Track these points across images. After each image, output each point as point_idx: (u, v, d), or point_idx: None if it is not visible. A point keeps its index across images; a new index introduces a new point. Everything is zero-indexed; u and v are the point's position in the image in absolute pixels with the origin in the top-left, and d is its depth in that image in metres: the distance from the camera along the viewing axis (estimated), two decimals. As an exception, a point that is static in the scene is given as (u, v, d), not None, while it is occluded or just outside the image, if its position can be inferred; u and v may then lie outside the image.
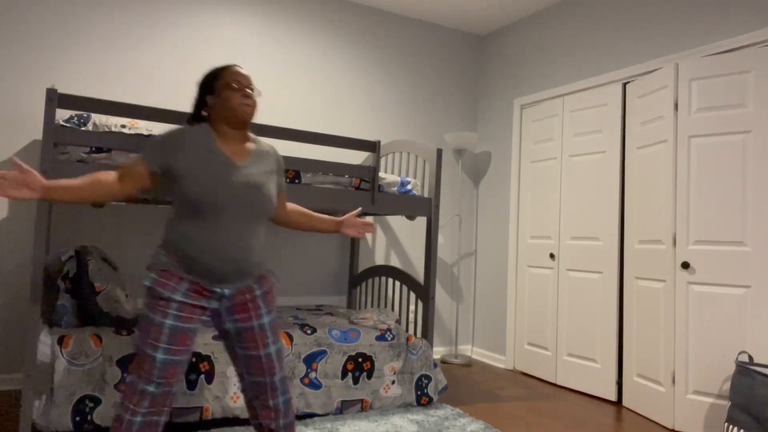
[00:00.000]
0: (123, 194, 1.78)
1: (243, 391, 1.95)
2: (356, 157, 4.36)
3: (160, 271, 1.77)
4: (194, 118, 1.94)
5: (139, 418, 1.69)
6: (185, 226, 1.78)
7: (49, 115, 2.40)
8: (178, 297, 1.75)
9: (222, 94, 1.84)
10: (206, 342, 2.70)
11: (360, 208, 2.29)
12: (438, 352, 4.71)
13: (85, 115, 2.74)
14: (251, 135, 1.97)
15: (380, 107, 4.54)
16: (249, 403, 1.94)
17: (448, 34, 4.89)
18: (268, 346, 1.89)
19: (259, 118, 4.04)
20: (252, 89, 1.89)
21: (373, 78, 4.52)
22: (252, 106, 1.87)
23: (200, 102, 1.92)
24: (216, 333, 2.76)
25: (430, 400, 3.19)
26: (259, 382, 1.89)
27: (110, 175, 1.77)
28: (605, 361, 3.62)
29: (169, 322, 1.73)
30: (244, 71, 1.90)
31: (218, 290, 1.82)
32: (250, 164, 1.87)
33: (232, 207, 1.78)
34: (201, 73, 3.85)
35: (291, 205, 2.12)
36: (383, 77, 4.56)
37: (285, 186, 2.09)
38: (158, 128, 3.68)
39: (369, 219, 2.20)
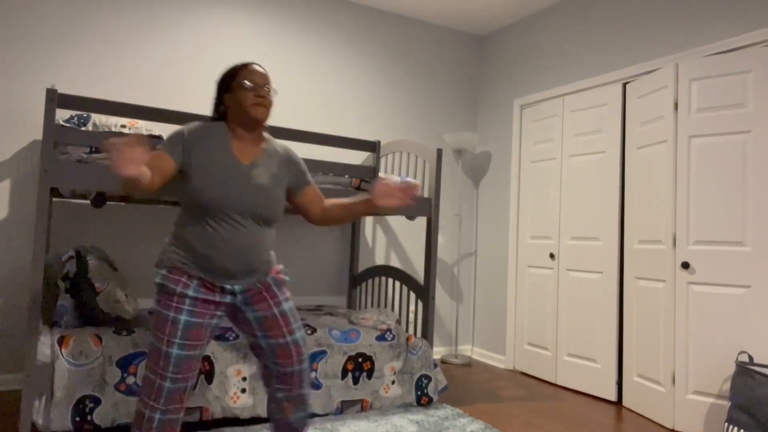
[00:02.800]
0: (153, 188, 1.75)
1: (267, 384, 1.93)
2: (356, 157, 4.36)
3: (171, 268, 1.78)
4: (214, 116, 1.93)
5: (158, 415, 1.72)
6: (194, 225, 1.79)
7: (49, 115, 2.40)
8: (190, 293, 1.76)
9: (237, 93, 1.83)
10: (206, 342, 2.70)
11: (384, 174, 2.03)
12: (438, 352, 4.71)
13: (85, 115, 2.74)
14: (266, 136, 1.95)
15: (380, 107, 4.54)
16: (272, 396, 1.93)
17: (448, 34, 4.89)
18: (293, 333, 1.90)
19: (259, 118, 4.04)
20: (268, 89, 1.85)
21: (373, 78, 4.52)
22: (266, 107, 1.83)
23: (218, 100, 1.91)
24: (216, 333, 2.77)
25: (430, 400, 3.19)
26: (288, 372, 1.89)
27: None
28: (605, 361, 3.62)
29: (183, 317, 1.74)
30: (260, 69, 1.87)
31: (228, 286, 1.82)
32: (258, 166, 1.86)
33: (237, 208, 1.78)
34: (200, 73, 3.85)
35: (330, 201, 2.04)
36: (383, 77, 4.56)
37: (310, 183, 2.02)
38: (158, 128, 3.69)
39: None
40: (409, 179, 2.00)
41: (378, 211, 1.90)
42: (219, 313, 1.85)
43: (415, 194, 1.85)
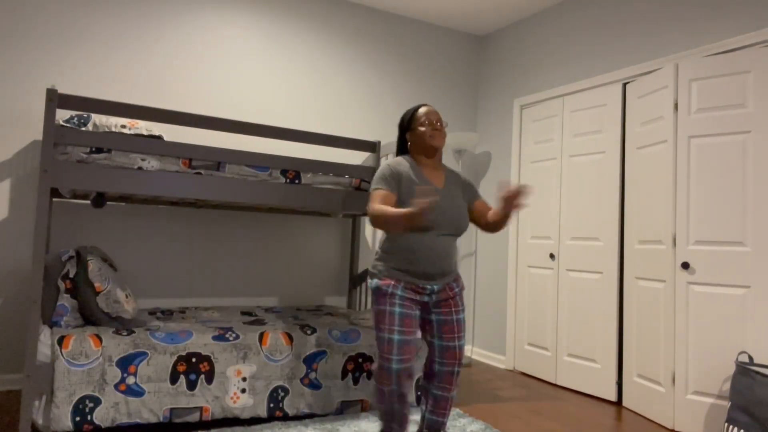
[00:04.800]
0: None
1: (428, 380, 2.33)
2: (356, 157, 4.36)
3: (381, 277, 2.23)
4: (400, 151, 2.42)
5: (395, 388, 2.13)
6: (403, 239, 2.21)
7: (49, 115, 2.40)
8: (399, 292, 2.20)
9: (417, 130, 2.31)
10: (206, 342, 2.70)
11: (509, 182, 2.38)
12: (438, 352, 4.70)
13: (85, 115, 2.74)
14: (443, 163, 2.42)
15: (380, 107, 4.54)
16: (429, 393, 2.33)
17: (448, 34, 4.89)
18: (461, 339, 2.31)
19: (260, 118, 4.05)
20: (440, 123, 2.32)
21: (373, 78, 4.52)
22: (441, 136, 2.30)
23: (402, 138, 2.41)
24: (216, 334, 2.77)
25: (430, 400, 3.18)
26: (449, 371, 2.28)
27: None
28: (605, 361, 3.62)
29: (397, 309, 2.17)
30: (432, 109, 2.34)
31: (429, 287, 2.24)
32: (448, 188, 2.32)
33: (437, 222, 2.20)
34: (200, 73, 3.85)
35: (490, 212, 2.43)
36: (383, 77, 4.56)
37: (479, 198, 2.44)
38: (158, 128, 3.69)
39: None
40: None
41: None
42: (419, 310, 2.27)
43: (527, 193, 2.32)
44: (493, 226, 2.38)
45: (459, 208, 2.29)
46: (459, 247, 2.23)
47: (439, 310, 2.30)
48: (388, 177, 2.23)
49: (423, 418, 2.38)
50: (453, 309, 2.30)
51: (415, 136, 2.32)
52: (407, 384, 2.16)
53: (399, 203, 2.21)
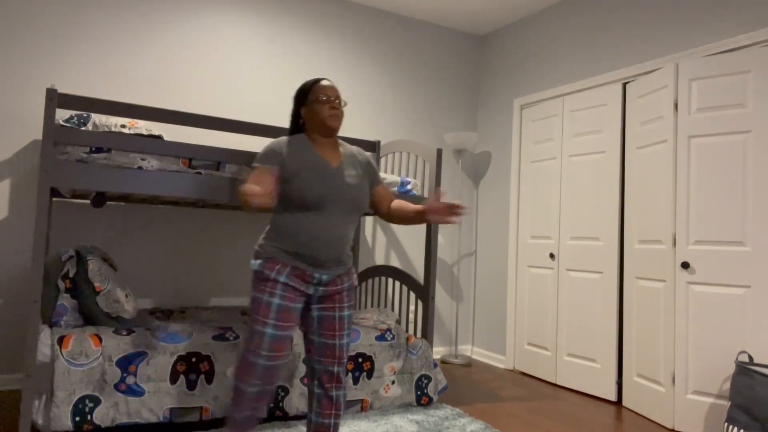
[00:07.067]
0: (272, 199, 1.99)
1: (310, 380, 2.15)
2: (356, 157, 4.36)
3: (267, 258, 2.03)
4: (292, 128, 2.20)
5: (252, 389, 1.95)
6: (292, 219, 2.03)
7: (49, 115, 2.40)
8: (282, 279, 2.00)
9: (313, 106, 2.10)
10: (206, 342, 2.70)
11: (440, 189, 2.18)
12: (438, 352, 4.71)
13: (85, 115, 2.74)
14: (341, 141, 2.22)
15: (380, 107, 4.54)
16: (311, 393, 2.15)
17: (448, 34, 4.89)
18: (343, 337, 2.13)
19: (260, 118, 4.05)
20: (339, 101, 2.12)
21: (373, 78, 4.52)
22: (339, 117, 2.11)
23: (296, 114, 2.19)
24: (216, 333, 2.77)
25: (430, 400, 3.19)
26: (328, 370, 2.11)
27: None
28: (605, 361, 3.62)
29: (276, 300, 1.98)
30: (331, 84, 2.13)
31: (317, 275, 2.05)
32: (344, 167, 2.12)
33: (331, 202, 2.03)
34: (200, 72, 3.85)
35: (396, 202, 2.27)
36: (383, 77, 4.56)
37: (381, 182, 2.27)
38: (158, 128, 3.69)
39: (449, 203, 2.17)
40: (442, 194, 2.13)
41: (428, 222, 2.11)
42: (302, 302, 2.07)
43: (461, 213, 2.03)
44: (397, 218, 2.21)
45: (356, 187, 2.10)
46: (353, 230, 2.15)
47: (321, 306, 2.12)
48: (270, 154, 2.05)
49: (309, 422, 2.18)
50: (337, 305, 2.12)
51: (311, 112, 2.11)
52: (270, 388, 2.00)
53: (284, 182, 2.03)
